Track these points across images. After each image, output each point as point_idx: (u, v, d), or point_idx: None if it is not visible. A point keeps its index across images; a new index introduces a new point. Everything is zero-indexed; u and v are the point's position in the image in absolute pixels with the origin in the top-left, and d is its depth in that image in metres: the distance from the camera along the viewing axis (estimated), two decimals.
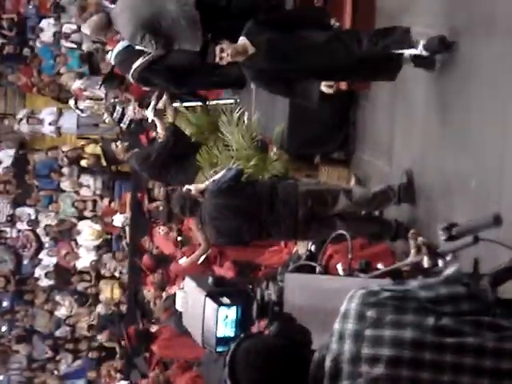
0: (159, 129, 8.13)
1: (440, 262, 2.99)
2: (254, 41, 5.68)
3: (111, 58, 8.20)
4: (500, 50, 4.88)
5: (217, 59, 5.69)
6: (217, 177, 6.12)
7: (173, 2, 6.61)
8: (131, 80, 7.69)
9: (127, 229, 12.68)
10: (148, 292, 10.58)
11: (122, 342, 11.52)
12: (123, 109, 11.62)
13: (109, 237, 13.43)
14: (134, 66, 7.17)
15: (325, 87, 6.03)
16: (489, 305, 2.18)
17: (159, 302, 10.01)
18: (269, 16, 6.27)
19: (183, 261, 8.44)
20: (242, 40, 5.70)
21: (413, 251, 5.70)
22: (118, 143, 10.72)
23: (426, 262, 2.99)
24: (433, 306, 2.13)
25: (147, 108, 8.66)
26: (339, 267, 3.21)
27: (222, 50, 5.63)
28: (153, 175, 8.89)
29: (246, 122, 8.22)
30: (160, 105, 8.89)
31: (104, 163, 13.35)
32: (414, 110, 6.19)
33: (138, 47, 6.95)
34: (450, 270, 2.54)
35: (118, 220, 12.92)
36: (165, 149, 7.98)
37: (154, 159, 8.06)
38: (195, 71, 7.36)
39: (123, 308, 12.90)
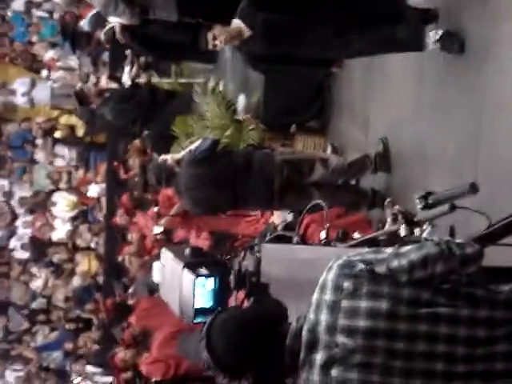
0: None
1: (417, 231, 2.99)
2: (249, 23, 5.07)
3: (84, 25, 8.12)
4: (476, 18, 4.88)
5: (209, 46, 5.21)
6: (192, 147, 6.08)
7: None
8: (103, 39, 7.65)
9: (103, 199, 12.61)
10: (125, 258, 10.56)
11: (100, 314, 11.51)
12: (97, 79, 11.50)
13: (84, 208, 13.35)
14: (109, 25, 7.10)
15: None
16: (461, 259, 2.17)
17: (135, 260, 9.99)
18: None
19: (158, 229, 8.45)
20: (236, 23, 5.14)
21: (389, 220, 5.74)
22: (91, 85, 10.55)
23: (402, 231, 2.99)
24: (404, 276, 2.12)
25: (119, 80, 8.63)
26: (322, 234, 3.20)
27: (214, 38, 5.15)
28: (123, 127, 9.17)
29: (221, 91, 8.16)
30: (133, 71, 8.85)
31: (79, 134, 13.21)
32: (390, 78, 6.17)
33: (111, 18, 6.85)
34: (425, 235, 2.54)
35: (94, 191, 12.83)
36: (142, 109, 8.15)
37: (129, 120, 8.23)
38: (175, 47, 7.26)
39: (100, 279, 12.85)
